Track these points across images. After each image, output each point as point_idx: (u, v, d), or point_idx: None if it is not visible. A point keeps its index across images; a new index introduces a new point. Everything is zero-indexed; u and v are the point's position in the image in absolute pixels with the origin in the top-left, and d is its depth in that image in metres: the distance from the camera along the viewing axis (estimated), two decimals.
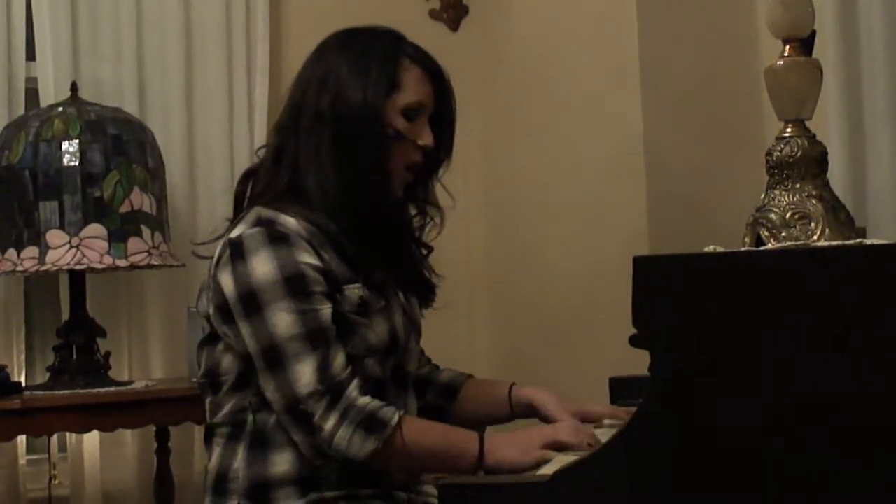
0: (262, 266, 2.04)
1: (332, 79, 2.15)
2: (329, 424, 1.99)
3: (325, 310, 2.04)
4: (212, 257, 2.14)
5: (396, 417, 2.01)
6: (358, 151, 2.12)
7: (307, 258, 2.05)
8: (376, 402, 2.02)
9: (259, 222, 2.08)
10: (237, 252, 2.06)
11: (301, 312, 2.02)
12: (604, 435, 1.97)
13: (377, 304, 2.11)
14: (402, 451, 2.00)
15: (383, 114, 2.13)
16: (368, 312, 2.10)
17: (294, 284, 2.03)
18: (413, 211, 2.27)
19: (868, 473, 1.60)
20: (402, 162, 2.16)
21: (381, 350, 2.12)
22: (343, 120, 2.12)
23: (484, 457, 1.99)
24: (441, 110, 2.22)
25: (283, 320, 2.02)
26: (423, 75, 2.19)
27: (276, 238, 2.05)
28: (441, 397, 2.34)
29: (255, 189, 2.19)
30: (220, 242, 2.14)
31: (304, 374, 2.01)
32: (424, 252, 2.30)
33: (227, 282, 2.07)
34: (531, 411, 2.28)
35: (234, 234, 2.09)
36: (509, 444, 1.99)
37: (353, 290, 2.09)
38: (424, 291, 2.29)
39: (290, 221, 2.08)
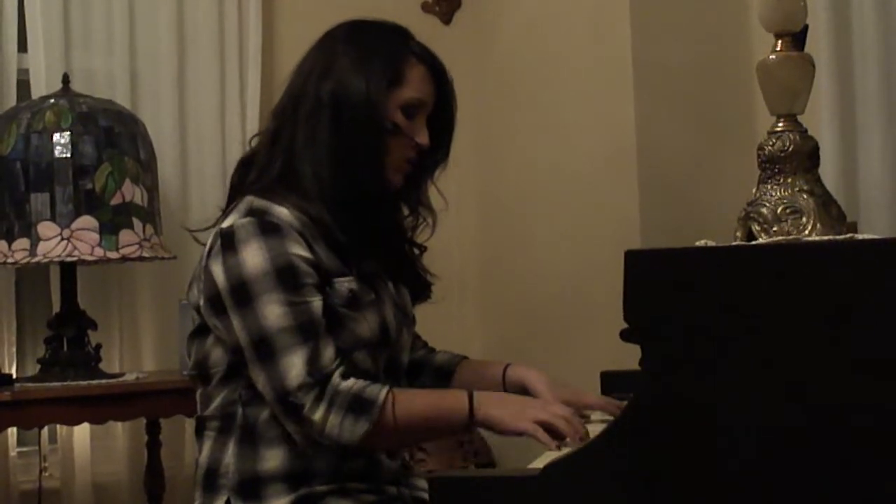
0: (254, 257, 2.02)
1: (335, 67, 2.14)
2: (318, 415, 1.98)
3: (316, 302, 2.04)
4: (204, 245, 2.13)
5: (383, 393, 2.00)
6: (355, 141, 2.11)
7: (298, 250, 2.04)
8: (360, 383, 2.01)
9: (251, 212, 2.07)
10: (228, 242, 2.05)
11: (291, 304, 2.01)
12: (594, 430, 1.97)
13: (367, 297, 2.10)
14: (394, 425, 1.99)
15: (383, 106, 2.12)
16: (358, 306, 2.09)
17: (285, 276, 2.02)
18: (406, 212, 2.26)
19: (864, 466, 1.60)
20: (397, 156, 2.15)
21: (372, 343, 2.11)
22: (342, 108, 2.11)
23: (474, 411, 1.99)
24: (441, 112, 2.22)
25: (273, 312, 2.01)
26: (427, 74, 2.19)
27: (268, 229, 2.04)
28: (435, 381, 2.33)
29: (249, 177, 2.18)
30: (212, 232, 2.12)
31: (294, 366, 1.99)
32: (417, 252, 2.29)
33: (217, 272, 2.05)
34: (524, 392, 2.28)
35: (226, 224, 2.08)
36: (501, 404, 2.01)
37: (343, 284, 2.08)
38: (420, 288, 2.29)
39: (282, 212, 2.07)
